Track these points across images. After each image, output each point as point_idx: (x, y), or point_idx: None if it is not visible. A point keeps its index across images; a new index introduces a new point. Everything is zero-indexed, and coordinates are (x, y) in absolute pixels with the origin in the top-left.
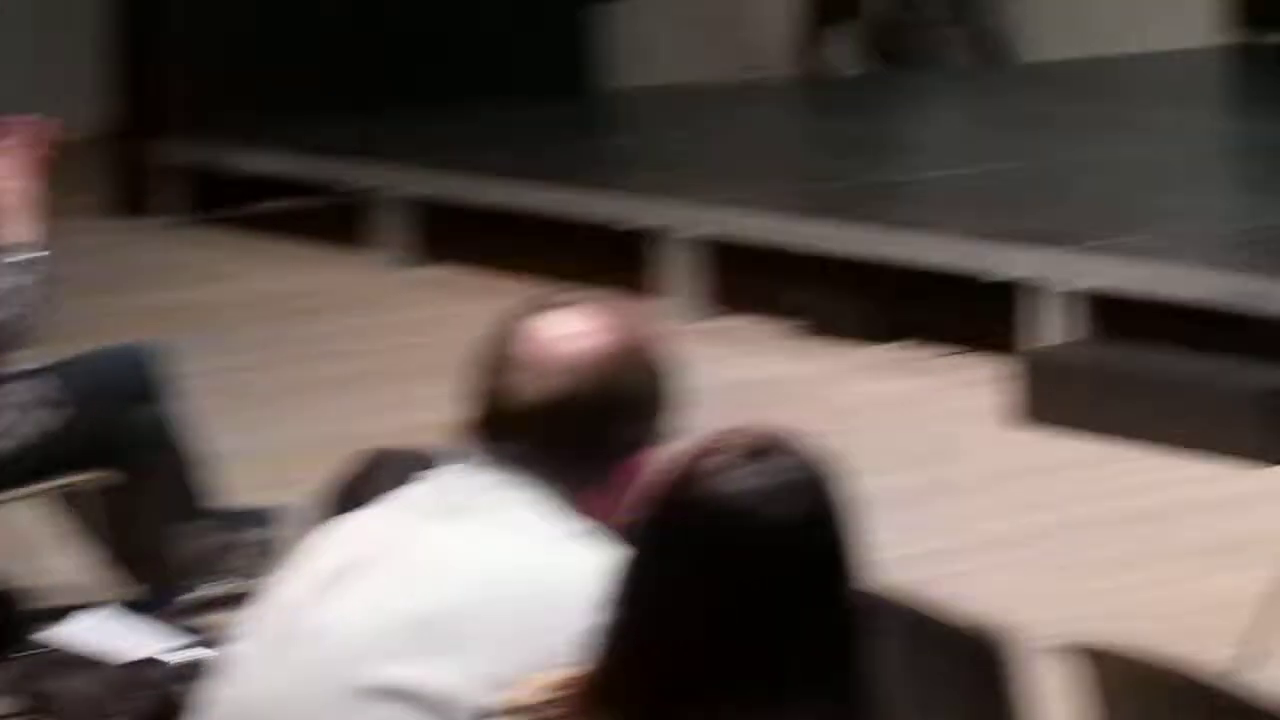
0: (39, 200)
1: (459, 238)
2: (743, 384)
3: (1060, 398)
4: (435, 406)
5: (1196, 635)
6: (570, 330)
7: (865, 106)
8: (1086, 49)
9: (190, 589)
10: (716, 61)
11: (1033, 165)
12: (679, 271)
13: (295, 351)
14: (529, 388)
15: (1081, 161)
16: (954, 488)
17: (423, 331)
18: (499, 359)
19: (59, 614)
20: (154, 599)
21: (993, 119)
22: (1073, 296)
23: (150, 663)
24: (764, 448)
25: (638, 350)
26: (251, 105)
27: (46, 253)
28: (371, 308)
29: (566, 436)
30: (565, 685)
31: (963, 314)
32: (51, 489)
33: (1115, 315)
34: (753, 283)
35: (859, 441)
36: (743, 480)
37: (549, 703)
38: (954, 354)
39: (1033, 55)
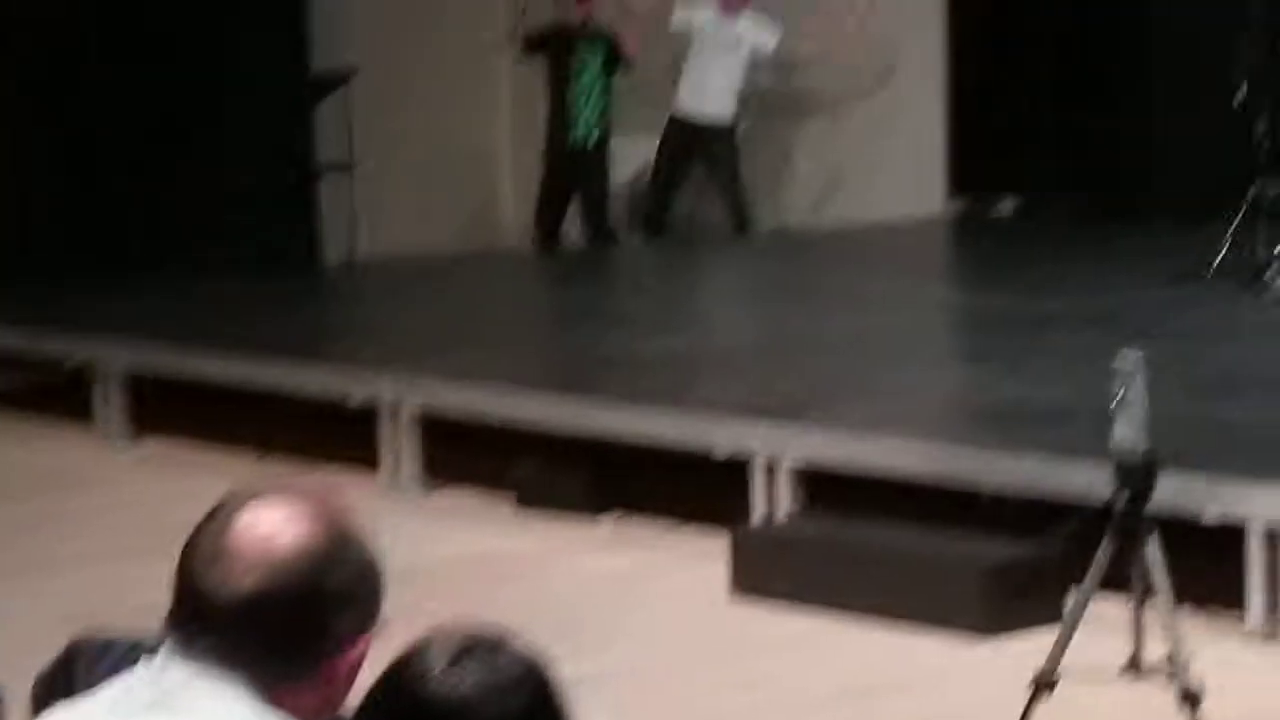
0: None
1: (179, 412)
2: (461, 560)
3: (776, 572)
4: (149, 589)
5: None
6: (274, 521)
7: (603, 278)
8: (828, 216)
9: None
10: (452, 231)
11: (764, 337)
12: (397, 445)
13: (7, 533)
14: (230, 581)
15: (812, 333)
16: (671, 666)
17: (139, 510)
18: (202, 550)
19: None
20: None
21: (732, 290)
22: (790, 470)
23: None
24: (477, 645)
25: (344, 541)
26: None
27: None
28: (88, 486)
29: (268, 631)
30: None
31: (686, 488)
32: None
33: (836, 489)
34: (474, 456)
35: (580, 618)
36: (458, 679)
37: None
38: (677, 528)
39: (777, 223)
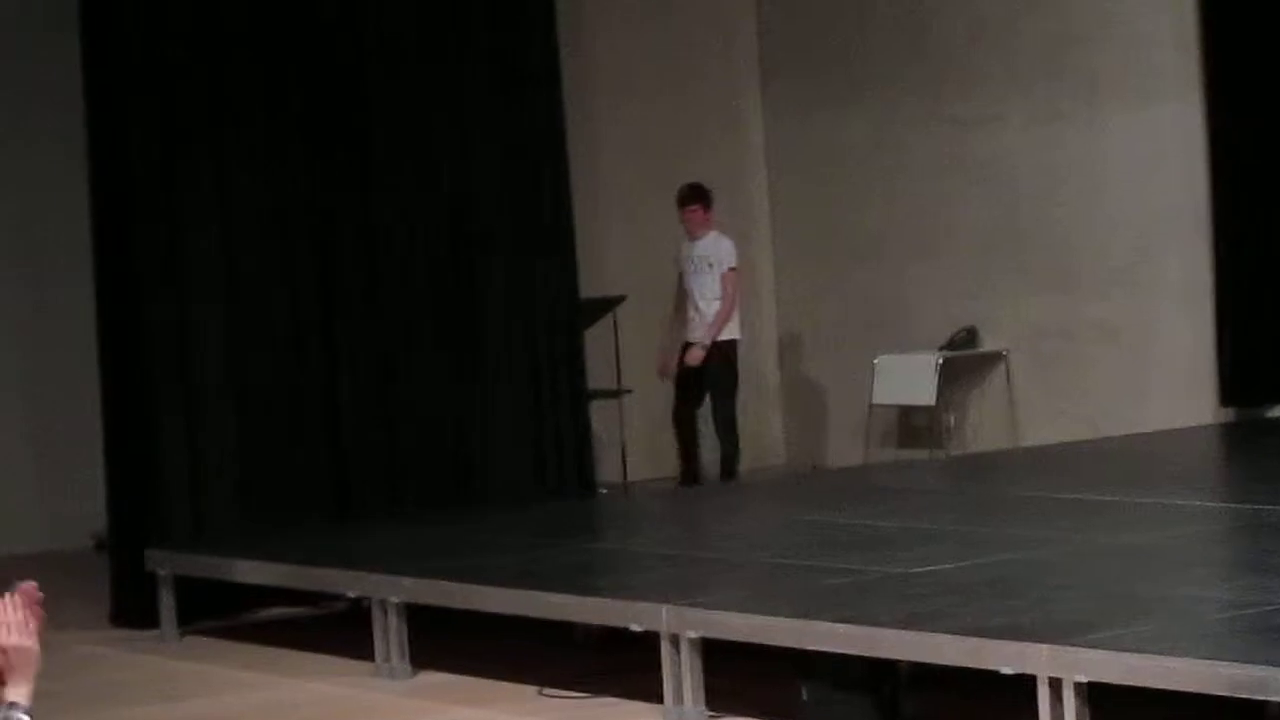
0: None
1: (457, 645)
2: None
3: None
4: None
5: None
6: None
7: (840, 499)
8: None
9: None
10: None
11: (1037, 555)
12: (679, 675)
13: None
14: None
15: (1089, 550)
16: None
17: None
18: None
19: None
20: None
21: (1003, 507)
22: (1075, 690)
23: None
24: None
25: None
26: (242, 516)
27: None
28: (367, 717)
29: None
30: None
31: (973, 712)
32: None
33: (1120, 708)
34: (756, 683)
35: None
36: None
37: None
38: None
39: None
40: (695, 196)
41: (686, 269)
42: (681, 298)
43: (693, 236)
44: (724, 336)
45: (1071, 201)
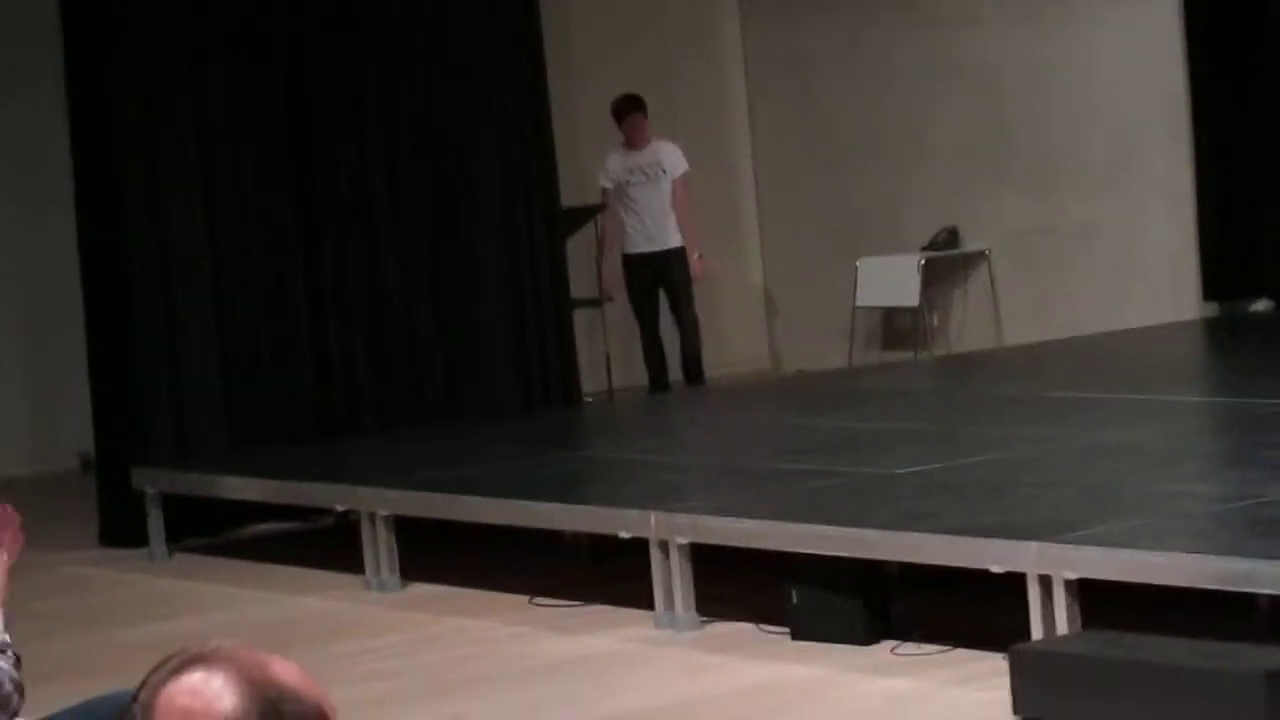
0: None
1: (447, 556)
2: (737, 692)
3: (1057, 691)
4: None
5: None
6: (205, 692)
7: (831, 401)
8: (1086, 330)
9: None
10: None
11: (1025, 453)
12: (669, 581)
13: None
14: None
15: (1073, 447)
16: None
17: (407, 654)
18: None
19: None
20: None
21: (985, 406)
22: (1066, 588)
23: None
24: None
25: (273, 711)
26: (229, 435)
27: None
28: (356, 630)
29: None
30: None
31: (962, 610)
32: None
33: (1113, 604)
34: (745, 588)
35: None
36: None
37: None
38: (954, 650)
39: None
40: (639, 105)
41: (628, 180)
42: (615, 211)
43: (637, 146)
44: (679, 243)
45: (1052, 101)
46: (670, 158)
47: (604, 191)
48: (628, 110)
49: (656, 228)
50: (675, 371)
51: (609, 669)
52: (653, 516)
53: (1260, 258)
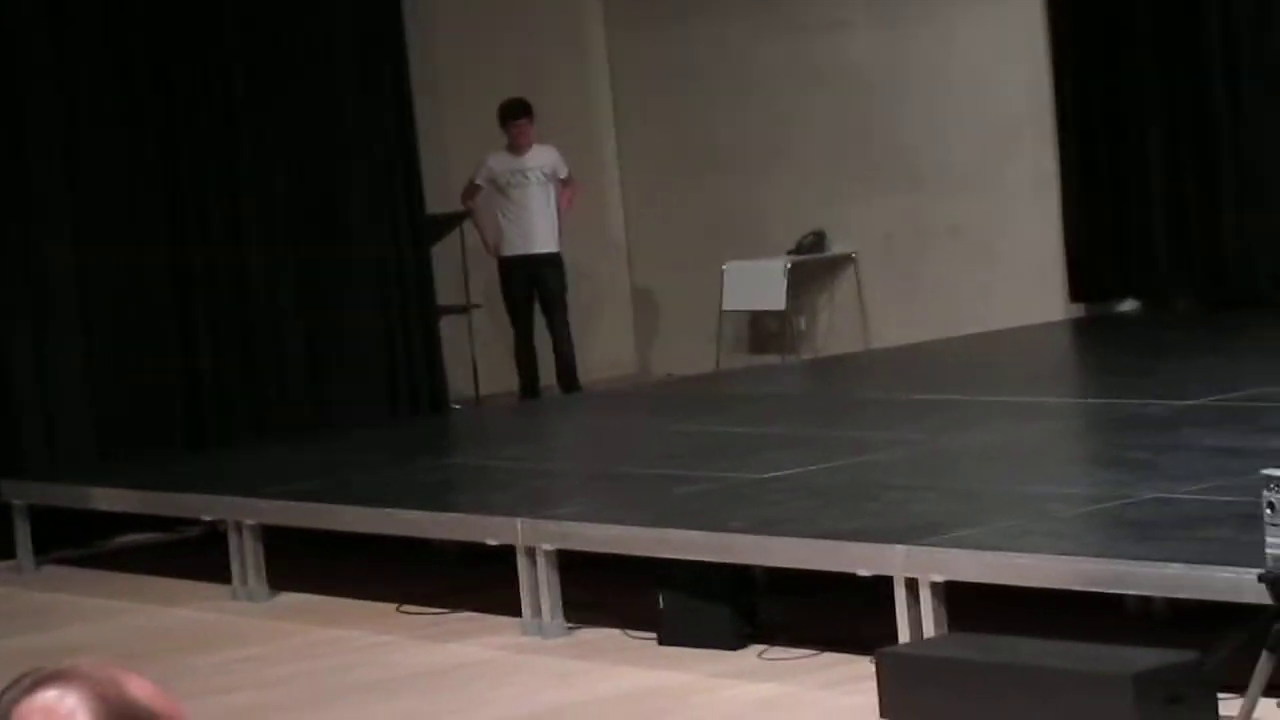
0: None
1: (315, 565)
2: (606, 699)
3: (924, 694)
4: None
5: None
6: (59, 710)
7: (703, 407)
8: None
9: None
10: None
11: (894, 456)
12: (536, 587)
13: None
14: None
15: (944, 449)
16: None
17: (276, 663)
18: None
19: None
20: None
21: (856, 409)
22: (932, 590)
23: None
24: None
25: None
26: (98, 445)
27: None
28: (224, 641)
29: None
30: None
31: (830, 614)
32: None
33: (981, 606)
34: (612, 594)
35: None
36: None
37: None
38: (822, 654)
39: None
40: (526, 110)
41: (509, 182)
42: (491, 213)
43: (521, 150)
44: (557, 248)
45: (917, 103)
46: (557, 161)
47: (472, 188)
48: (515, 114)
49: (535, 232)
50: (547, 377)
51: (476, 677)
52: (519, 523)
53: (1126, 259)
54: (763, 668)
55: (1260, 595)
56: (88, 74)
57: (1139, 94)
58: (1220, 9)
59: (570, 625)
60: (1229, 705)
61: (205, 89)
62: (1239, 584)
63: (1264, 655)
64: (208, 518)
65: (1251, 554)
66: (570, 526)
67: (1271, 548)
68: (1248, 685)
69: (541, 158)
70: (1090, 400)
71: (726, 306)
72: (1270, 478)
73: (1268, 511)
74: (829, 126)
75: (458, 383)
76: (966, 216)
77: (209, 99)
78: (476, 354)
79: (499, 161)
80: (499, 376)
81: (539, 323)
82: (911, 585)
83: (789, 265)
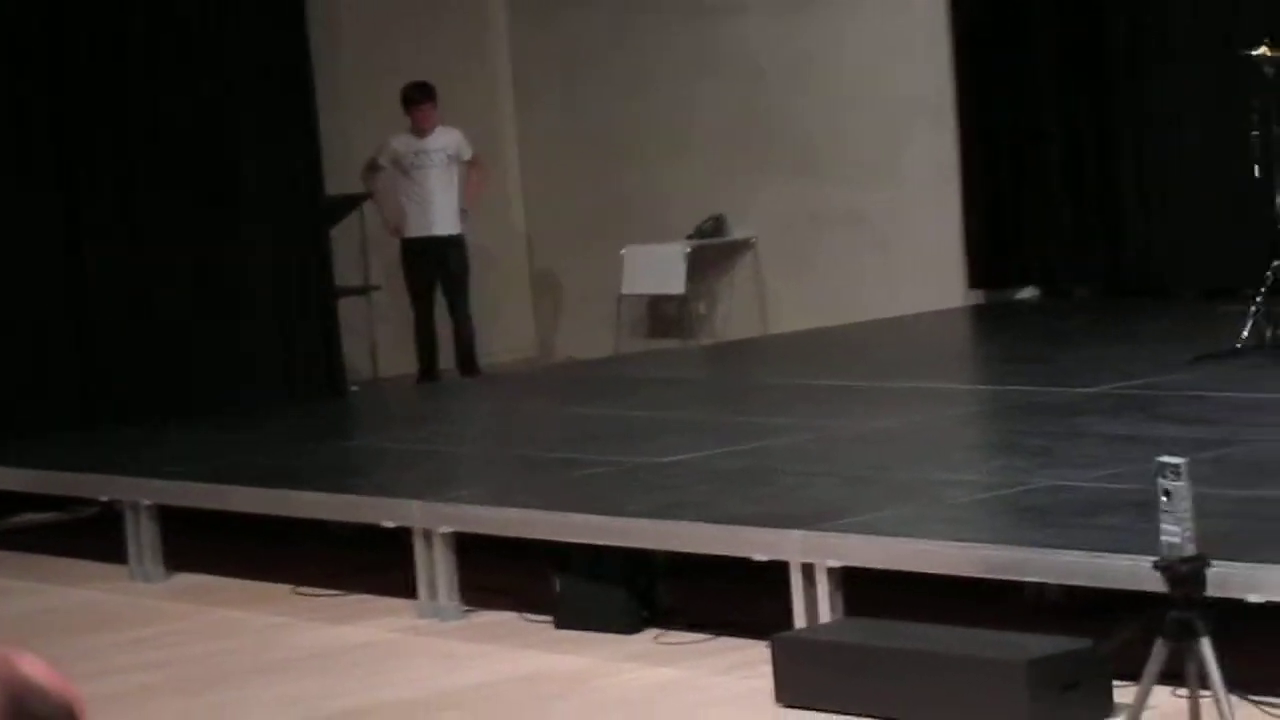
0: None
1: (211, 547)
2: (501, 682)
3: (818, 680)
4: None
5: None
6: None
7: (608, 391)
8: (852, 318)
9: None
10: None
11: (792, 442)
12: (432, 570)
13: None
14: None
15: (843, 435)
16: None
17: (171, 645)
18: None
19: None
20: None
21: (753, 394)
22: (828, 576)
23: None
24: None
25: (23, 702)
26: None
27: None
28: (120, 622)
29: None
30: None
31: (725, 599)
32: None
33: (877, 592)
34: (509, 577)
35: None
36: None
37: None
38: (718, 639)
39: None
40: (429, 93)
41: (413, 164)
42: (393, 194)
43: (424, 133)
44: (460, 230)
45: (818, 89)
46: (460, 143)
47: (374, 166)
48: (418, 97)
49: (437, 214)
50: (447, 360)
51: (372, 659)
52: (416, 506)
53: (1024, 246)
54: (659, 651)
55: (1156, 583)
56: None
57: (1038, 82)
58: None
59: (466, 608)
60: (1123, 693)
61: (102, 75)
62: (1135, 572)
63: (1158, 643)
64: (104, 498)
65: (1148, 542)
66: (467, 509)
67: (1167, 535)
68: (1142, 673)
69: (444, 140)
70: (988, 387)
71: (626, 290)
72: (1165, 465)
73: (1163, 499)
74: (729, 113)
75: (356, 364)
76: (866, 203)
77: (104, 85)
78: (376, 336)
79: (402, 143)
80: (398, 359)
81: (440, 305)
82: (808, 570)
83: (688, 250)
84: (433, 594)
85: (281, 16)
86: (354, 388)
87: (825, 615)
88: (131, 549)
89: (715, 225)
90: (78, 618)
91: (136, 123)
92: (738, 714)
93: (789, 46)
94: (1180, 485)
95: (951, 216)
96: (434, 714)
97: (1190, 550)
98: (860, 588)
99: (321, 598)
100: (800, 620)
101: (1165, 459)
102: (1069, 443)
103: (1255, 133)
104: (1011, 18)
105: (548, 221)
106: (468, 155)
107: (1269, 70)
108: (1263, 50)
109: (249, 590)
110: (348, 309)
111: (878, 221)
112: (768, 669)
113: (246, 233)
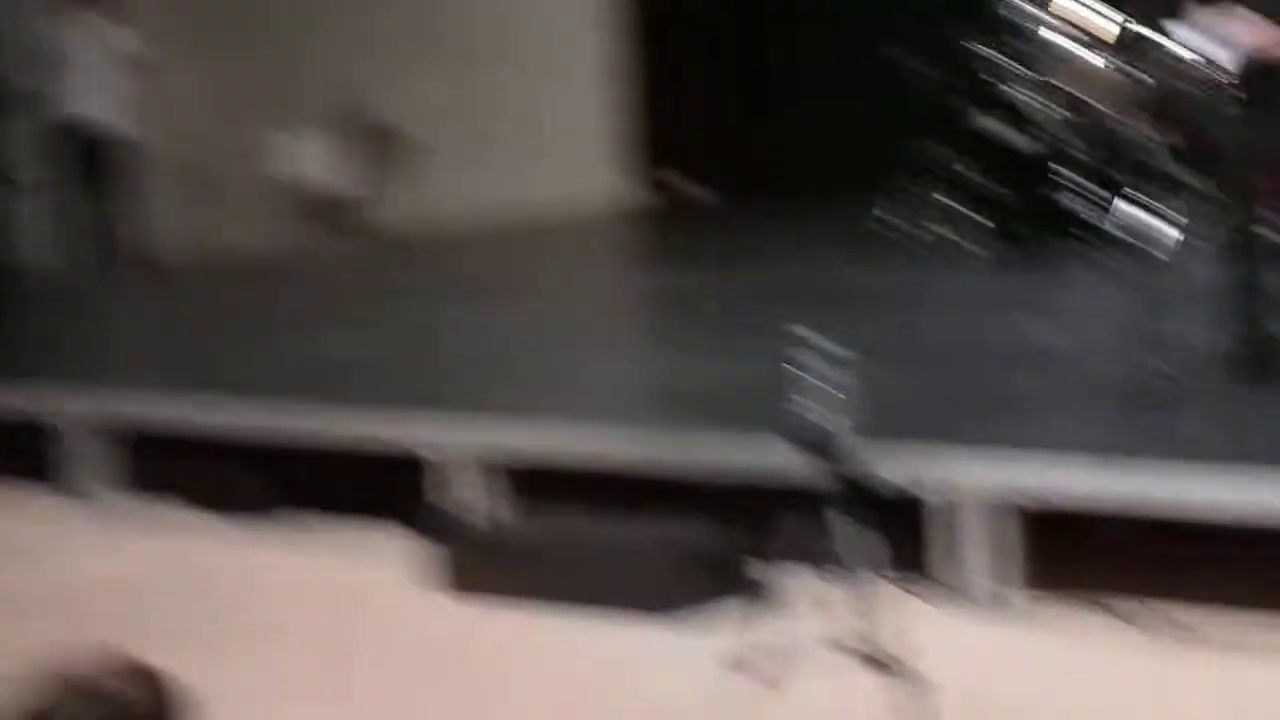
0: None
1: None
2: (137, 569)
3: (469, 568)
4: None
5: None
6: None
7: (278, 282)
8: (493, 211)
9: None
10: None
11: (450, 335)
12: (73, 456)
13: None
14: None
15: (498, 328)
16: (371, 664)
17: None
18: None
19: None
20: None
21: (416, 289)
22: (479, 465)
23: None
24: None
25: None
26: None
27: None
28: None
29: None
30: None
31: (369, 488)
32: None
33: (533, 483)
34: (150, 463)
35: (258, 622)
36: None
37: None
38: (362, 528)
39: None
40: None
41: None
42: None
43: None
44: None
45: None
46: (115, 33)
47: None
48: None
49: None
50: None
51: None
52: (59, 392)
53: (688, 146)
54: (297, 541)
55: (808, 470)
56: None
57: None
58: None
59: (110, 493)
60: (777, 577)
61: None
62: (788, 460)
63: (790, 520)
64: None
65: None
66: (108, 396)
67: (799, 411)
68: (792, 560)
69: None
70: (642, 282)
71: (275, 178)
72: (801, 337)
73: (798, 374)
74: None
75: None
76: (519, 91)
77: None
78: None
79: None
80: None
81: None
82: (460, 461)
83: (337, 138)
84: (71, 480)
85: None
86: None
87: (482, 507)
88: None
89: (362, 112)
90: None
91: None
92: (382, 601)
93: None
94: (811, 357)
95: (612, 113)
96: (72, 598)
97: (825, 421)
98: (521, 483)
99: None
100: (458, 511)
101: (800, 331)
102: (723, 337)
103: None
104: None
105: (190, 111)
106: (127, 47)
107: None
108: None
109: None
110: None
111: (535, 115)
112: (417, 558)
113: None
